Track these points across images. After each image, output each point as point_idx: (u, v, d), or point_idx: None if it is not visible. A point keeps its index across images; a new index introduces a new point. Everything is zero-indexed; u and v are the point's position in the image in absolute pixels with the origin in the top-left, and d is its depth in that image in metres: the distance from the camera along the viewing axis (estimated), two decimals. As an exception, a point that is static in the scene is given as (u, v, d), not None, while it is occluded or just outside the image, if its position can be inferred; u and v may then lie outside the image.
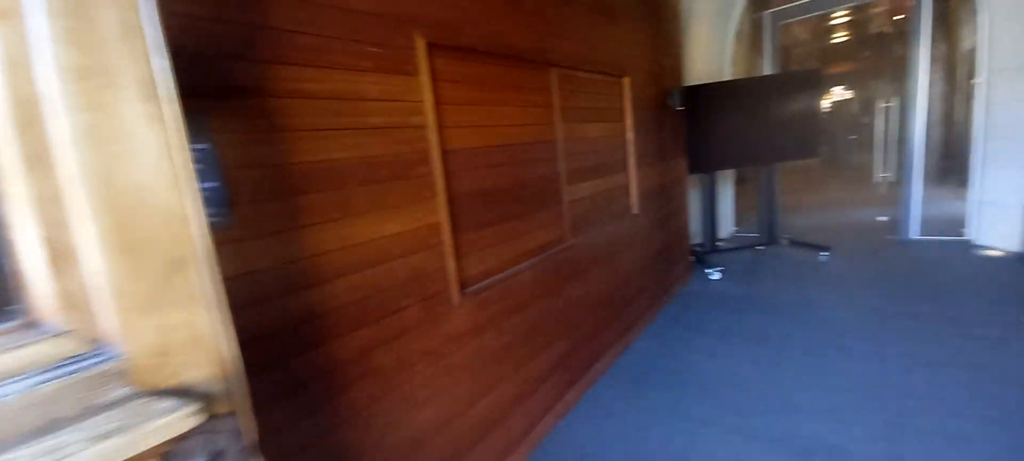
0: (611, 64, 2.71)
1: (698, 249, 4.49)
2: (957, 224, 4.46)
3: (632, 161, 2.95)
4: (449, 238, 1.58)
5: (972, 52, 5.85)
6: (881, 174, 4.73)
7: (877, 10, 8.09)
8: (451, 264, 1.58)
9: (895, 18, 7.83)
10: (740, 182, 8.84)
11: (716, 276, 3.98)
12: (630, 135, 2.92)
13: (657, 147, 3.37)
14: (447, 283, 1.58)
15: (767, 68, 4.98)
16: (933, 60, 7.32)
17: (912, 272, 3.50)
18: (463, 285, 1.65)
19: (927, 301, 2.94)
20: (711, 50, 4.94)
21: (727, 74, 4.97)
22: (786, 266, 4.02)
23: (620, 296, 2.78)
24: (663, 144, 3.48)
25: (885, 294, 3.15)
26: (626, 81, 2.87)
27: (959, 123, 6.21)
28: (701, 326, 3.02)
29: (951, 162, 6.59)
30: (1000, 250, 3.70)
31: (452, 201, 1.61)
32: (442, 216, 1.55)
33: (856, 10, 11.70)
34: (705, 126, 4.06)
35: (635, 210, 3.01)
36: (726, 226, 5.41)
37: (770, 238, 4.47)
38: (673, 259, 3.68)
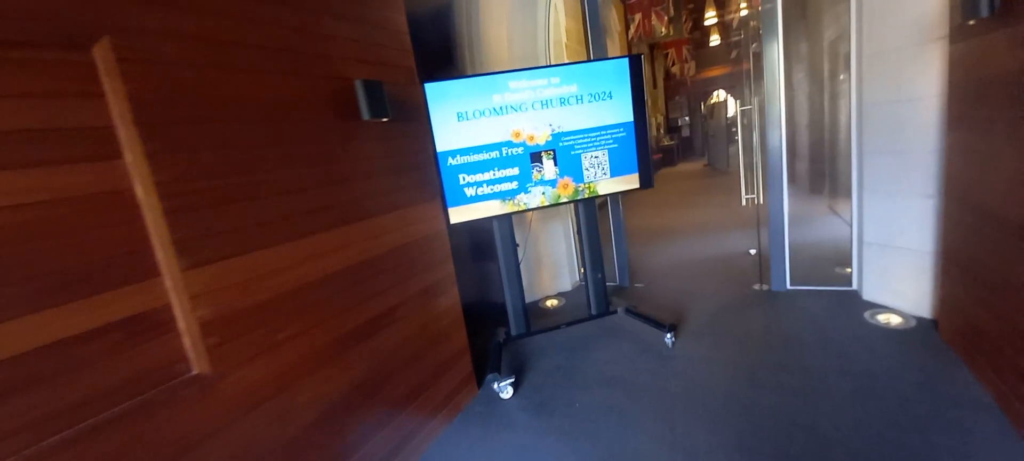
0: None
1: (502, 334, 2.88)
2: (836, 260, 3.37)
3: (164, 254, 1.20)
4: None
5: (835, 43, 5.04)
6: (746, 196, 3.51)
7: (744, 7, 7.39)
8: None
9: (749, 17, 7.14)
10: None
11: (506, 393, 2.40)
12: (141, 193, 1.17)
13: (328, 199, 1.67)
14: None
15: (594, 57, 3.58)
16: (797, 59, 6.67)
17: (793, 385, 2.16)
18: None
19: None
20: (519, 30, 3.44)
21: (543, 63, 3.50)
22: (614, 365, 2.54)
23: None
24: (356, 186, 1.79)
25: None
26: (99, 55, 1.11)
27: (825, 127, 5.43)
28: None
29: (818, 165, 5.86)
30: (900, 315, 2.52)
31: None
32: None
33: (721, 11, 11.41)
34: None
35: (194, 367, 1.26)
36: (564, 278, 3.94)
37: (602, 307, 3.00)
38: (424, 385, 2.01)
